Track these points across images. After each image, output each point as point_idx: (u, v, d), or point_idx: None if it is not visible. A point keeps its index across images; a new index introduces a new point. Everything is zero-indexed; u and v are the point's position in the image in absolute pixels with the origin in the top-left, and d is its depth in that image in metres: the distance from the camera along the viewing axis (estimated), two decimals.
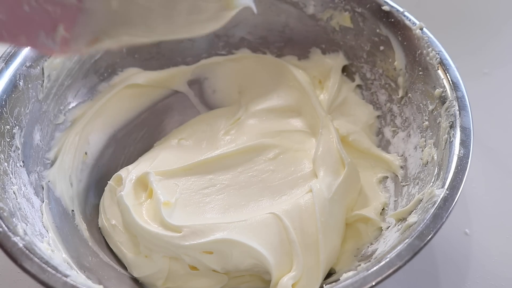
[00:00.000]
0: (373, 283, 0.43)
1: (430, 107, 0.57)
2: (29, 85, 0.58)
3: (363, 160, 0.65)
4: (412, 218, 0.49)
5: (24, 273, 0.45)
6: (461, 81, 0.55)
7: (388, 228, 0.55)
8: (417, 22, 0.60)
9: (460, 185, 0.48)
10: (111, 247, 0.60)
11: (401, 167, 0.61)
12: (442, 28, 0.66)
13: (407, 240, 0.45)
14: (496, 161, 0.69)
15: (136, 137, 0.70)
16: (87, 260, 0.55)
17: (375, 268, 0.44)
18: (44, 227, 0.53)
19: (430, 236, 0.45)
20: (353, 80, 0.69)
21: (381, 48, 0.64)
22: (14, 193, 0.52)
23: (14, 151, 0.55)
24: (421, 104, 0.59)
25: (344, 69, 0.70)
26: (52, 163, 0.61)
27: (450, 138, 0.52)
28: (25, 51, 0.57)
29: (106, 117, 0.67)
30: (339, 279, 0.48)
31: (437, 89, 0.56)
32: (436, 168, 0.52)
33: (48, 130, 0.61)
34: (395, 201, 0.59)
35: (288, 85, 0.70)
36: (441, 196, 0.48)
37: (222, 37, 0.72)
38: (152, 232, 0.55)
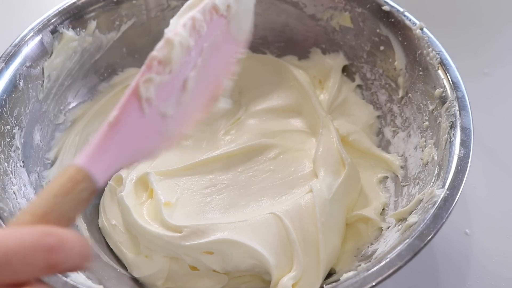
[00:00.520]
0: (373, 283, 0.43)
1: (430, 107, 0.57)
2: (29, 85, 0.58)
3: (363, 160, 0.65)
4: (412, 218, 0.49)
5: None
6: (461, 81, 0.55)
7: (388, 228, 0.55)
8: (417, 22, 0.60)
9: (460, 185, 0.48)
10: (111, 247, 0.60)
11: (401, 167, 0.61)
12: (442, 28, 0.66)
13: (407, 240, 0.45)
14: (496, 161, 0.69)
15: None
16: None
17: (375, 268, 0.44)
18: None
19: (430, 236, 0.45)
20: (353, 80, 0.69)
21: (381, 48, 0.64)
22: (14, 193, 0.52)
23: (14, 151, 0.55)
24: (421, 104, 0.59)
25: (344, 69, 0.70)
26: (52, 163, 0.61)
27: (450, 138, 0.52)
28: (25, 51, 0.57)
29: (106, 117, 0.67)
30: (339, 279, 0.48)
31: (437, 89, 0.56)
32: (436, 168, 0.52)
33: (48, 130, 0.61)
34: (395, 201, 0.59)
35: (288, 85, 0.70)
36: (441, 196, 0.47)
37: None
38: (153, 232, 0.55)
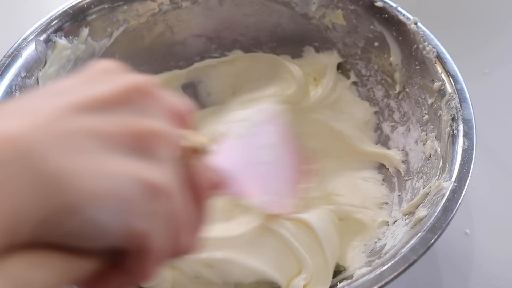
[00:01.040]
0: (390, 278, 0.43)
1: (430, 101, 0.57)
2: None
3: (361, 157, 0.65)
4: (421, 212, 0.49)
5: None
6: (459, 74, 0.56)
7: (394, 222, 0.56)
8: (411, 17, 0.60)
9: (467, 176, 0.48)
10: None
11: (403, 161, 0.61)
12: (443, 28, 0.66)
13: (419, 234, 0.45)
14: (497, 161, 0.68)
15: None
16: None
17: (391, 263, 0.44)
18: None
19: (442, 229, 0.45)
20: (348, 77, 0.69)
21: (376, 44, 0.64)
22: None
23: None
24: (419, 98, 0.59)
25: (339, 67, 0.70)
26: None
27: (453, 130, 0.52)
28: (19, 62, 0.56)
29: None
30: (352, 276, 0.48)
31: (435, 83, 0.56)
32: (441, 161, 0.52)
33: None
34: (399, 195, 0.59)
35: (281, 77, 0.69)
36: (449, 189, 0.48)
37: (214, 40, 0.71)
38: None
